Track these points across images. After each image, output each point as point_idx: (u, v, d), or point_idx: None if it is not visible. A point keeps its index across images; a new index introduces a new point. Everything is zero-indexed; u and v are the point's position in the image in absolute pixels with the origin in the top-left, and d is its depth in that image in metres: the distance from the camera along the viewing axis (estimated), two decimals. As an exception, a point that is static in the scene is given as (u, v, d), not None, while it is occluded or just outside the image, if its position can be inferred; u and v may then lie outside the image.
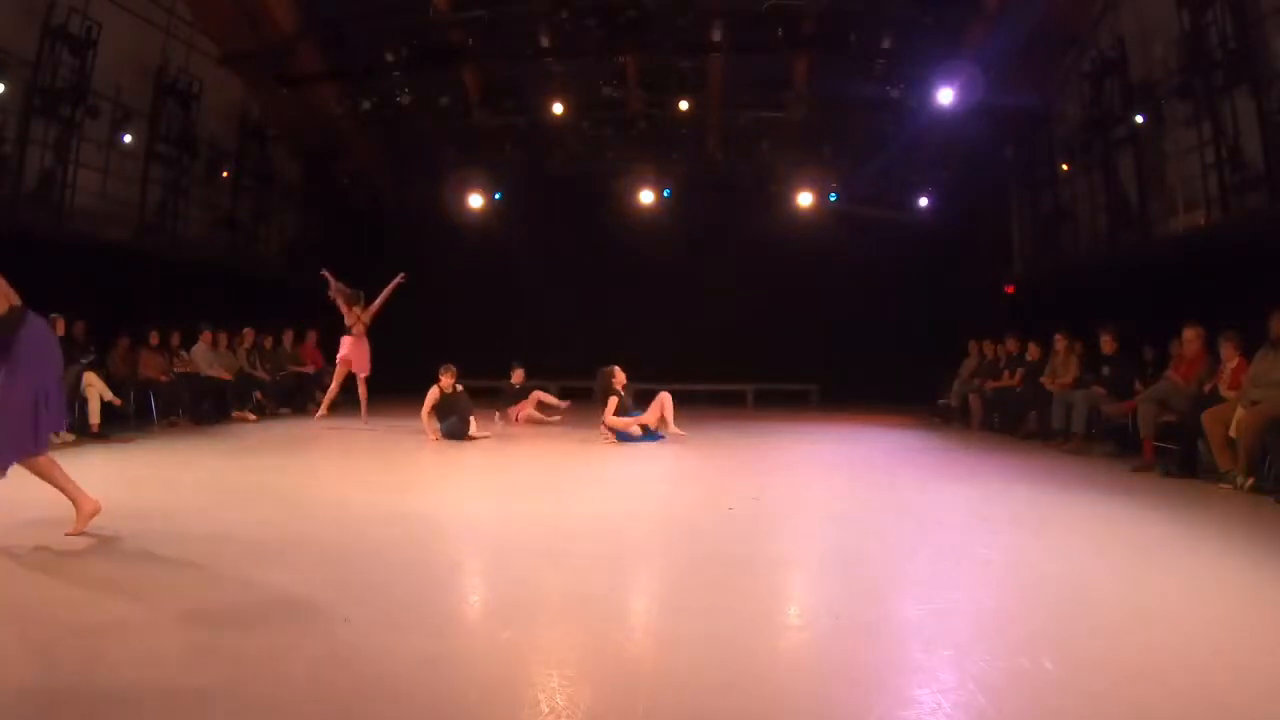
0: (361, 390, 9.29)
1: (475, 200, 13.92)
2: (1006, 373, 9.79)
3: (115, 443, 7.07)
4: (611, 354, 10.36)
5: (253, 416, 9.75)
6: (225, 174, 12.33)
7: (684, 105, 11.89)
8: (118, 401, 7.85)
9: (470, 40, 11.21)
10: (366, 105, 12.19)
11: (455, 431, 7.98)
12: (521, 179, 13.99)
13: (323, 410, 9.16)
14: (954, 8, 10.64)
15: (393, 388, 12.94)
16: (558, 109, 11.84)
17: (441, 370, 8.20)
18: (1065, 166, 11.38)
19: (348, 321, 9.25)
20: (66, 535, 3.57)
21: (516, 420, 9.84)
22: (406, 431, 8.52)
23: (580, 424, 9.35)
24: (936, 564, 3.61)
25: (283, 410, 10.48)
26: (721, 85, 12.22)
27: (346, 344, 9.21)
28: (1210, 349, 6.56)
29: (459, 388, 8.24)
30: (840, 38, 10.80)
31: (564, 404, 10.24)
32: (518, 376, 10.03)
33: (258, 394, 10.20)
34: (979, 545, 3.95)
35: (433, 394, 8.17)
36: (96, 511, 3.68)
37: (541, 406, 10.07)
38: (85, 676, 2.21)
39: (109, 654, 2.38)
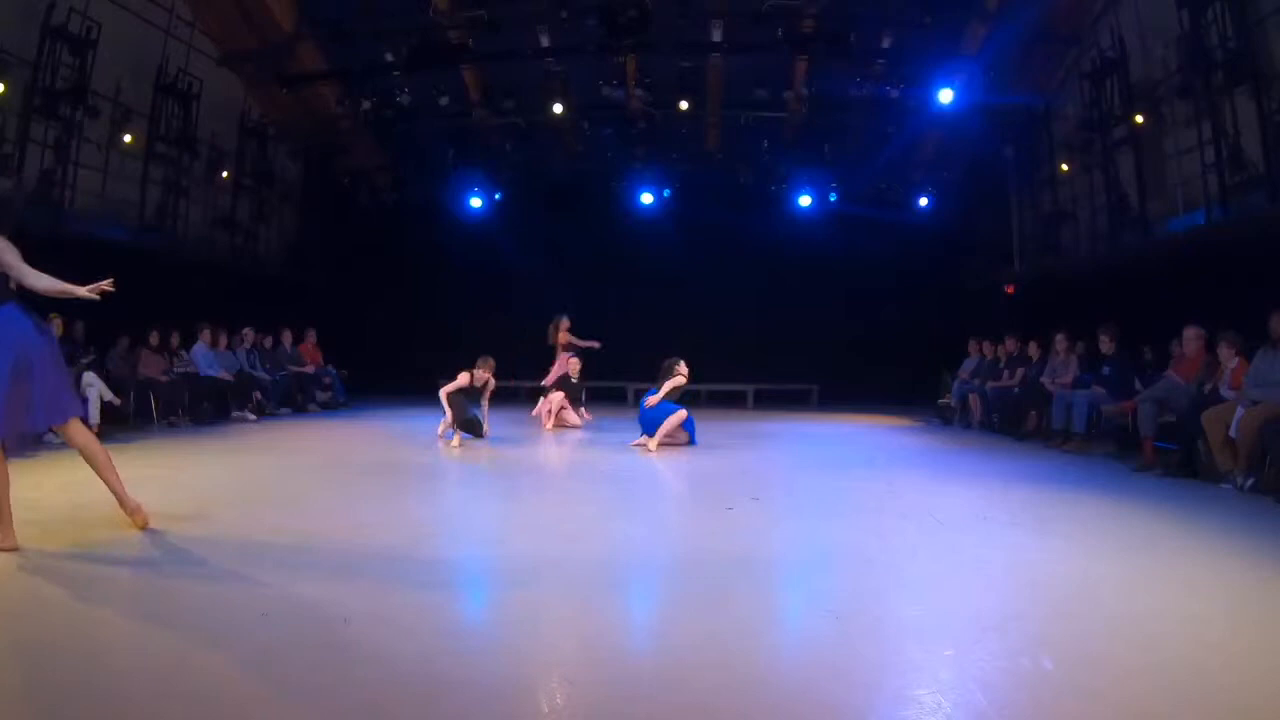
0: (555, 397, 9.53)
1: (475, 200, 13.90)
2: (1006, 373, 9.79)
3: (115, 443, 7.05)
4: (610, 354, 10.38)
5: (253, 416, 9.75)
6: (225, 174, 12.32)
7: (684, 105, 11.90)
8: (118, 401, 7.85)
9: (470, 40, 11.20)
10: (366, 105, 12.19)
11: (469, 422, 7.88)
12: (521, 179, 13.99)
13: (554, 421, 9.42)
14: (954, 8, 10.64)
15: (392, 388, 12.95)
16: (558, 109, 11.84)
17: (481, 362, 8.08)
18: (1065, 166, 11.38)
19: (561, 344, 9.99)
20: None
21: (547, 424, 9.39)
22: (419, 432, 8.42)
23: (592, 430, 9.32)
24: (936, 564, 3.61)
25: (283, 410, 10.47)
26: (721, 85, 12.22)
27: (562, 363, 9.84)
28: (1210, 349, 6.56)
29: (491, 383, 8.15)
30: (840, 38, 10.79)
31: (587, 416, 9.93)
32: (574, 369, 9.71)
33: (258, 394, 10.19)
34: (979, 545, 3.95)
35: (463, 379, 7.90)
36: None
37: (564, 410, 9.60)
38: (83, 674, 2.21)
39: (108, 656, 2.38)
